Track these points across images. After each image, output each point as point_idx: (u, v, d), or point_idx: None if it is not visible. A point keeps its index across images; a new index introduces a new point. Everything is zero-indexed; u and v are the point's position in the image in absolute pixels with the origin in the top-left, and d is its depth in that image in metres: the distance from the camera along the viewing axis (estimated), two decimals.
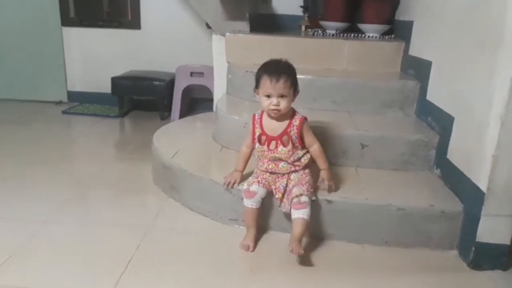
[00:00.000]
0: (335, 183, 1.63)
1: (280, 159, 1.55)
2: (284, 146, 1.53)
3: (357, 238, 1.59)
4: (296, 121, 1.54)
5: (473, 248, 1.45)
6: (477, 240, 1.44)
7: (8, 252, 1.44)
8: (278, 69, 1.48)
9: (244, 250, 1.50)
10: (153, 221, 1.70)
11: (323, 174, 1.59)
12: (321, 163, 1.60)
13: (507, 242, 1.44)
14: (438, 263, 1.50)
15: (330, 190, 1.59)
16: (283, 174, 1.56)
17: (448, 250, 1.56)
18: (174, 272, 1.38)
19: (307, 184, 1.52)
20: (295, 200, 1.47)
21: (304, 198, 1.47)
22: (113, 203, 1.87)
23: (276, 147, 1.54)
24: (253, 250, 1.51)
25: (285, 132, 1.53)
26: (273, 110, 1.49)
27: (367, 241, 1.59)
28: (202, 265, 1.42)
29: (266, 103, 1.50)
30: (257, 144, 1.58)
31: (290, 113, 1.55)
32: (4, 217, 1.69)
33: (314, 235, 1.58)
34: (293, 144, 1.54)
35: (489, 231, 1.43)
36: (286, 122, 1.54)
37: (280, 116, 1.52)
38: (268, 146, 1.55)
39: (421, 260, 1.51)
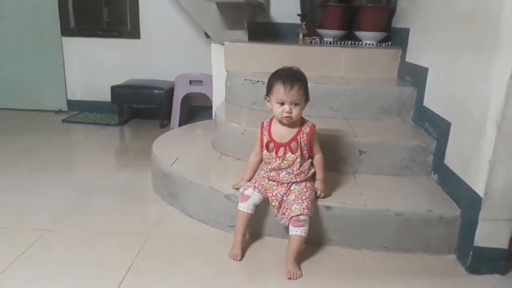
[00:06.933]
0: (331, 191, 1.65)
1: (284, 169, 1.55)
2: (293, 153, 1.54)
3: (355, 243, 1.60)
4: (306, 129, 1.55)
5: (471, 253, 1.46)
6: (475, 244, 1.45)
7: (9, 260, 1.44)
8: (292, 77, 1.48)
9: (233, 260, 1.49)
10: (152, 228, 1.71)
11: (317, 184, 1.61)
12: (319, 173, 1.61)
13: (505, 246, 1.44)
14: (437, 267, 1.51)
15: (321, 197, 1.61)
16: (283, 183, 1.57)
17: (446, 255, 1.56)
18: (173, 279, 1.39)
19: (307, 200, 1.51)
20: (294, 218, 1.47)
21: (303, 217, 1.47)
22: (113, 210, 1.88)
23: (285, 153, 1.55)
24: (240, 259, 1.49)
25: (294, 138, 1.54)
26: (285, 117, 1.50)
27: (366, 246, 1.59)
28: (201, 272, 1.43)
29: (278, 110, 1.50)
30: (264, 151, 1.58)
31: (300, 121, 1.56)
32: (6, 226, 1.70)
33: (313, 241, 1.58)
34: (301, 151, 1.55)
35: (487, 235, 1.44)
36: (296, 129, 1.55)
37: (290, 123, 1.54)
38: (276, 153, 1.56)
39: (419, 265, 1.52)
